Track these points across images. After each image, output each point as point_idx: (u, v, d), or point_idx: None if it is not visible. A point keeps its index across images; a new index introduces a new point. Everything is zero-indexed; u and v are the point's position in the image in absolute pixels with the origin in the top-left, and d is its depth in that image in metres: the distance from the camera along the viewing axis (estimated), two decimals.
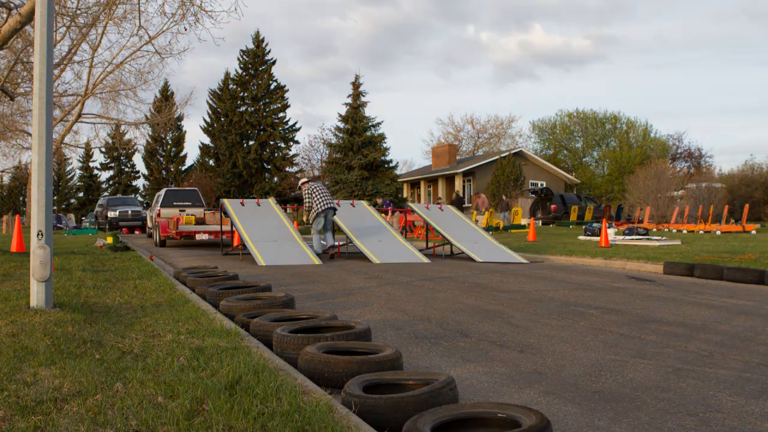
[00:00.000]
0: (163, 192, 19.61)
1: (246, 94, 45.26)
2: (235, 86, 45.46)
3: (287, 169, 46.00)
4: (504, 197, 22.84)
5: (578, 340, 4.78)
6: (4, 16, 11.84)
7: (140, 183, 56.87)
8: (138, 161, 57.64)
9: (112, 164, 57.13)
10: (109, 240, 14.94)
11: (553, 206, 28.52)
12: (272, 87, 44.87)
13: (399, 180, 35.63)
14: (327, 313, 4.83)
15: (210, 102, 46.91)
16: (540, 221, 28.20)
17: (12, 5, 11.54)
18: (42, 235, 5.12)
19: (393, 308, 6.32)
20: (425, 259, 11.95)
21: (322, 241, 12.55)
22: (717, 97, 76.95)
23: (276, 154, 44.09)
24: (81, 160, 55.87)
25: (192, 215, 17.18)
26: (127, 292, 6.58)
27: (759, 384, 3.62)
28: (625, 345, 4.62)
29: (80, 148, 34.61)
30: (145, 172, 53.99)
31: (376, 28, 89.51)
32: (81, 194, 57.74)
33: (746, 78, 75.61)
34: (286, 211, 23.55)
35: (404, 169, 53.45)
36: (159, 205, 18.42)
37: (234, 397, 2.88)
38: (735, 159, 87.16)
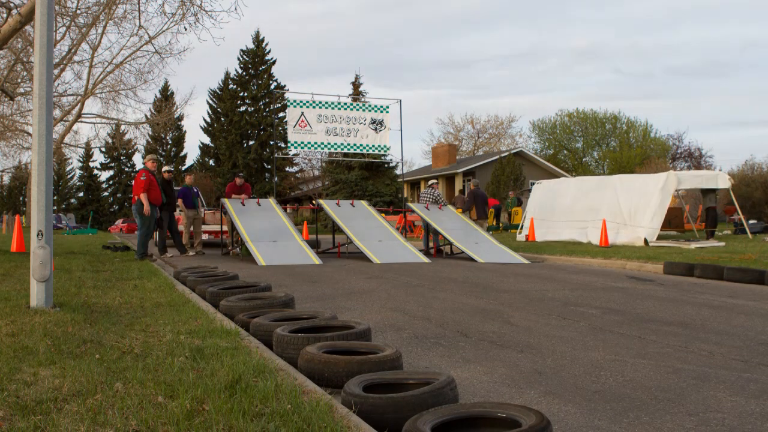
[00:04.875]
0: None
1: (246, 94, 45.26)
2: (235, 86, 45.46)
3: (287, 169, 45.99)
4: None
5: (578, 340, 4.78)
6: (4, 16, 11.84)
7: None
8: (138, 161, 57.67)
9: (112, 164, 57.17)
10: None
11: None
12: (272, 87, 44.85)
13: (399, 180, 35.65)
14: (327, 313, 4.83)
15: (210, 102, 46.93)
16: None
17: (12, 5, 11.54)
18: (42, 235, 5.11)
19: (393, 308, 6.32)
20: (425, 259, 11.95)
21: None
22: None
23: (276, 155, 44.14)
24: (81, 160, 55.91)
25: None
26: (127, 292, 6.58)
27: (759, 384, 3.62)
28: (625, 345, 4.62)
29: (80, 148, 34.62)
30: None
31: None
32: (81, 194, 57.74)
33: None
34: (286, 210, 23.59)
35: (404, 168, 53.43)
36: None
37: (234, 397, 2.88)
38: (735, 159, 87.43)
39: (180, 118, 47.67)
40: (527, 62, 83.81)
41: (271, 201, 14.28)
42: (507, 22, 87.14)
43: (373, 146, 16.17)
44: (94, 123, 24.95)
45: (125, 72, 21.22)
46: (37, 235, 5.11)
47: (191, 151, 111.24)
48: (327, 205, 14.31)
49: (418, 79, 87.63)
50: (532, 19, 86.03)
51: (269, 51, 45.49)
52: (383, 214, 15.13)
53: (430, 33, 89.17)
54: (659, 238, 15.21)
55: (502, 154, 36.75)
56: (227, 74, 45.95)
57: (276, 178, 41.93)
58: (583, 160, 51.68)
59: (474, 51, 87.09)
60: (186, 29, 24.71)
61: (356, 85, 35.17)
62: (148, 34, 17.66)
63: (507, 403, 2.79)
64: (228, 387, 3.03)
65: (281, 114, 43.53)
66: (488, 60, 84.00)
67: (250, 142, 44.95)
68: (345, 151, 17.21)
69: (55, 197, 51.67)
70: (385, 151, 16.70)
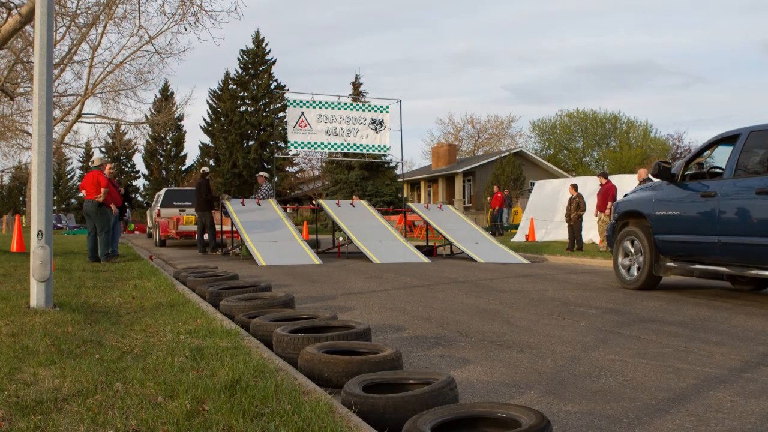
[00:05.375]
0: (163, 192, 19.58)
1: (246, 94, 45.24)
2: (235, 86, 45.45)
3: (287, 169, 45.97)
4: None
5: (578, 340, 4.78)
6: (4, 16, 11.84)
7: (140, 183, 56.87)
8: (138, 161, 57.67)
9: (113, 164, 57.06)
10: None
11: None
12: (272, 87, 44.85)
13: (399, 180, 35.69)
14: (327, 313, 4.83)
15: (210, 102, 46.91)
16: None
17: (12, 5, 11.54)
18: (42, 235, 5.11)
19: (393, 308, 6.32)
20: (425, 259, 11.95)
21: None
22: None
23: (276, 155, 44.15)
24: (81, 160, 55.86)
25: (192, 215, 17.17)
26: (127, 292, 6.58)
27: (759, 384, 3.62)
28: (625, 345, 4.62)
29: (80, 148, 34.59)
30: (145, 172, 54.03)
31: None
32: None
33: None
34: (286, 210, 23.59)
35: (404, 168, 53.47)
36: (159, 205, 18.41)
37: (234, 397, 2.88)
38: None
39: (180, 118, 47.63)
40: (411, 68, 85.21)
41: (272, 201, 14.28)
42: (380, 29, 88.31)
43: (373, 146, 16.17)
44: (94, 123, 24.94)
45: (125, 72, 21.17)
46: (37, 235, 5.11)
47: (191, 151, 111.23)
48: (327, 205, 14.31)
49: (308, 84, 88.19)
50: (403, 27, 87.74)
51: (269, 51, 45.49)
52: (384, 216, 15.13)
53: (310, 41, 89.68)
54: None
55: (502, 154, 36.76)
56: (227, 74, 45.95)
57: (276, 178, 41.99)
58: (583, 160, 51.68)
59: (356, 57, 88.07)
60: (186, 29, 24.61)
61: (356, 85, 35.17)
62: (148, 34, 17.64)
63: (507, 403, 2.79)
64: (228, 387, 3.03)
65: (281, 114, 43.51)
66: (371, 66, 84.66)
67: (250, 142, 44.94)
68: (345, 151, 17.21)
69: (55, 197, 51.66)
70: (385, 151, 16.70)
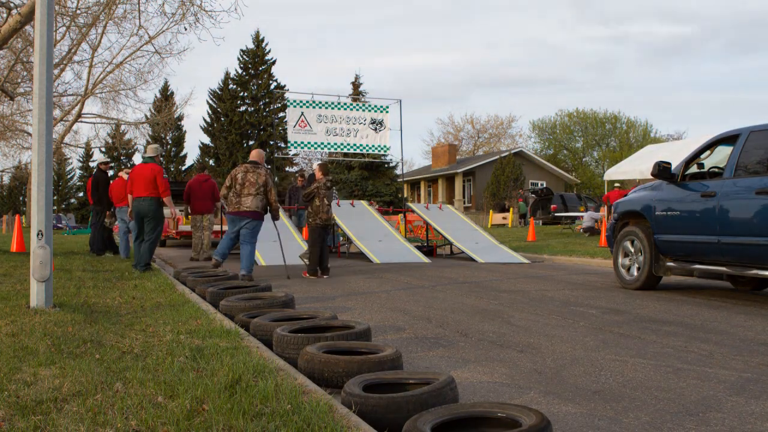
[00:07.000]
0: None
1: (246, 94, 45.22)
2: (235, 86, 45.42)
3: (287, 169, 45.93)
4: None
5: (578, 340, 4.78)
6: (4, 16, 11.84)
7: None
8: (138, 161, 57.64)
9: (113, 164, 57.07)
10: None
11: (553, 206, 28.57)
12: (272, 87, 44.85)
13: (399, 180, 35.69)
14: (327, 312, 4.83)
15: (210, 102, 46.87)
16: (540, 221, 28.22)
17: (12, 5, 11.54)
18: (42, 235, 5.11)
19: (393, 308, 6.32)
20: (426, 259, 11.95)
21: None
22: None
23: (276, 155, 44.09)
24: (81, 160, 55.81)
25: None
26: (127, 292, 6.58)
27: (759, 384, 3.62)
28: (625, 345, 4.62)
29: (80, 148, 34.59)
30: None
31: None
32: (81, 194, 57.69)
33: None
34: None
35: (404, 168, 53.48)
36: None
37: (234, 397, 2.88)
38: None
39: (180, 118, 47.54)
40: None
41: None
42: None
43: (373, 146, 16.16)
44: (94, 123, 24.95)
45: (125, 72, 21.19)
46: (37, 235, 5.11)
47: (191, 151, 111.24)
48: None
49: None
50: None
51: (269, 51, 45.46)
52: (385, 216, 15.12)
53: None
54: None
55: (502, 154, 36.75)
56: (227, 74, 45.89)
57: (276, 178, 41.93)
58: (583, 160, 51.68)
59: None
60: (186, 29, 24.58)
61: (356, 85, 35.17)
62: (148, 34, 17.65)
63: (507, 403, 2.79)
64: (228, 387, 3.03)
65: (281, 114, 43.41)
66: None
67: (250, 142, 44.90)
68: (345, 151, 17.21)
69: (55, 197, 51.65)
70: (385, 151, 16.70)
